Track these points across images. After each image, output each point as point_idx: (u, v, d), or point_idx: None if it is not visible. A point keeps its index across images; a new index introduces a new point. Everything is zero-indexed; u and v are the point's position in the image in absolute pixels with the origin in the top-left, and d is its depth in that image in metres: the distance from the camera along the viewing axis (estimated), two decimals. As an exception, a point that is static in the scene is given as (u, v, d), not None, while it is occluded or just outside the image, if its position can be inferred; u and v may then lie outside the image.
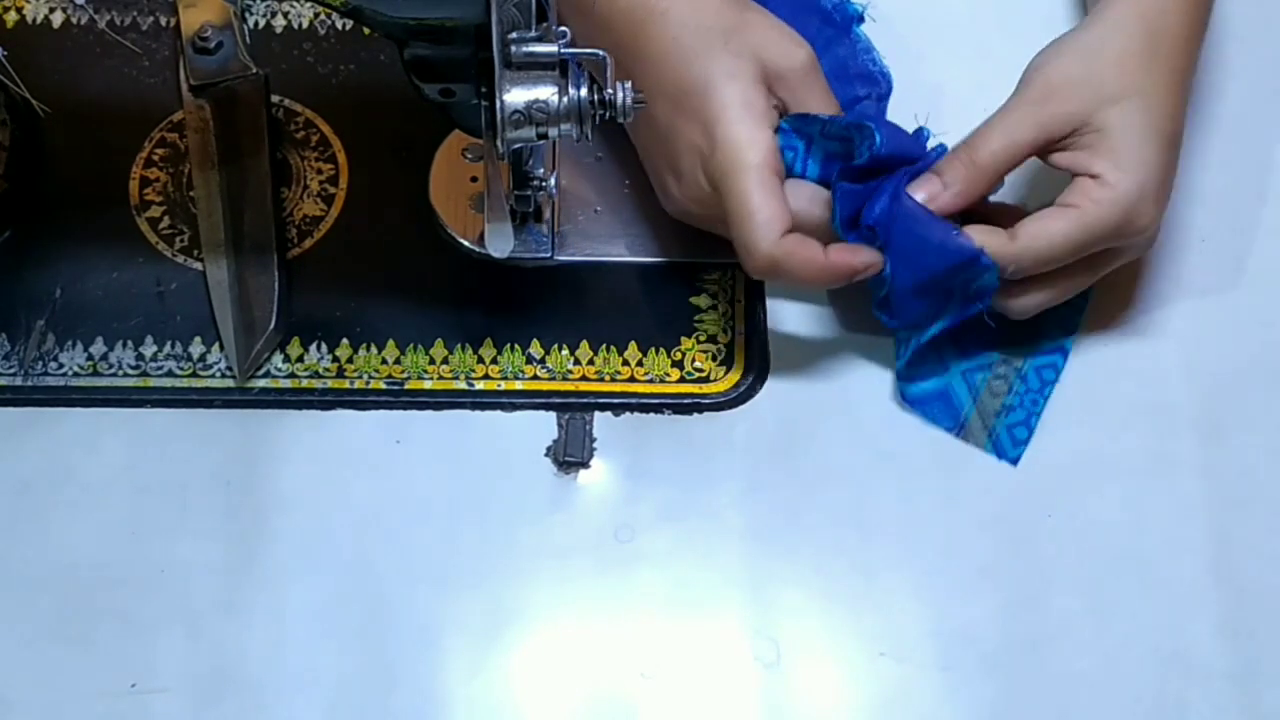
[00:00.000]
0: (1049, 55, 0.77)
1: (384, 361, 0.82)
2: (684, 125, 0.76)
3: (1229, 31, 0.89)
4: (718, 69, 0.75)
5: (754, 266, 0.74)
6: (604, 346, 0.82)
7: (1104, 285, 0.80)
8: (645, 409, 0.81)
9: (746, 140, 0.74)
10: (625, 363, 0.82)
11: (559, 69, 0.70)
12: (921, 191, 0.75)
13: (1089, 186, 0.74)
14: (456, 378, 0.81)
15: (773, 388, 0.81)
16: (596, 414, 0.81)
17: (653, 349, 0.82)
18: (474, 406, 0.81)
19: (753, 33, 0.77)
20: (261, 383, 0.81)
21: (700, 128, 0.75)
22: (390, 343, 0.82)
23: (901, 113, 0.82)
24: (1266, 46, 0.90)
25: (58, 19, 0.90)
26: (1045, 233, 0.74)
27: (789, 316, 0.83)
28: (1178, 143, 0.76)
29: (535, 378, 0.81)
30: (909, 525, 0.78)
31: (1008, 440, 0.79)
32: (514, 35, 0.69)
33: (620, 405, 0.81)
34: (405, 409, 0.81)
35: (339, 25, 0.90)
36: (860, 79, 0.85)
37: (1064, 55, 0.77)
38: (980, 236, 0.75)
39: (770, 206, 0.73)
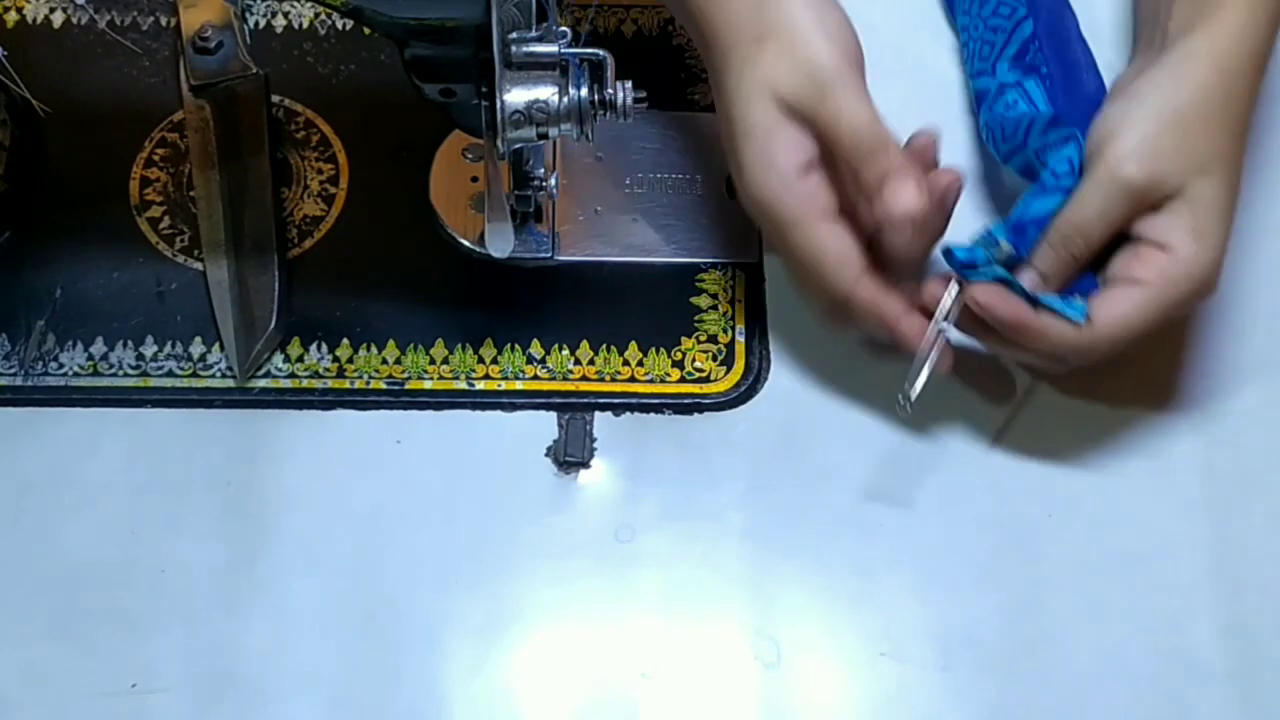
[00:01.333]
0: (1128, 117, 0.73)
1: (384, 361, 0.82)
2: (732, 166, 0.77)
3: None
4: (744, 122, 0.74)
5: (827, 309, 0.75)
6: (604, 346, 0.82)
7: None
8: (645, 409, 0.81)
9: (777, 196, 0.74)
10: (625, 363, 0.82)
11: (559, 69, 0.70)
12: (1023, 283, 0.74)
13: (1160, 260, 0.72)
14: (457, 378, 0.81)
15: (773, 388, 0.81)
16: (597, 414, 0.81)
17: (653, 349, 0.82)
18: (474, 406, 0.81)
19: (779, 42, 0.74)
20: (262, 383, 0.81)
21: (740, 179, 0.76)
22: (390, 343, 0.82)
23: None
24: None
25: (58, 19, 0.90)
26: (1122, 318, 0.72)
27: (789, 316, 0.82)
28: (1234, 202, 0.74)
29: (535, 378, 0.81)
30: (909, 525, 0.78)
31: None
32: (514, 35, 0.69)
33: (620, 405, 0.81)
34: (405, 409, 0.81)
35: (339, 25, 0.90)
36: None
37: (1148, 121, 0.73)
38: (1057, 329, 0.73)
39: (836, 248, 0.74)
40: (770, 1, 0.74)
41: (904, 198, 0.72)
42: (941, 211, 0.74)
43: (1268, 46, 0.75)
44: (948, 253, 0.75)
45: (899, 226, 0.72)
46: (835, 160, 0.74)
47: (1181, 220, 0.72)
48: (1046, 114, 0.80)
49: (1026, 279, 0.74)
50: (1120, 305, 0.72)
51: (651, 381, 0.81)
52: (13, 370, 0.81)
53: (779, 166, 0.73)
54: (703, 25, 0.77)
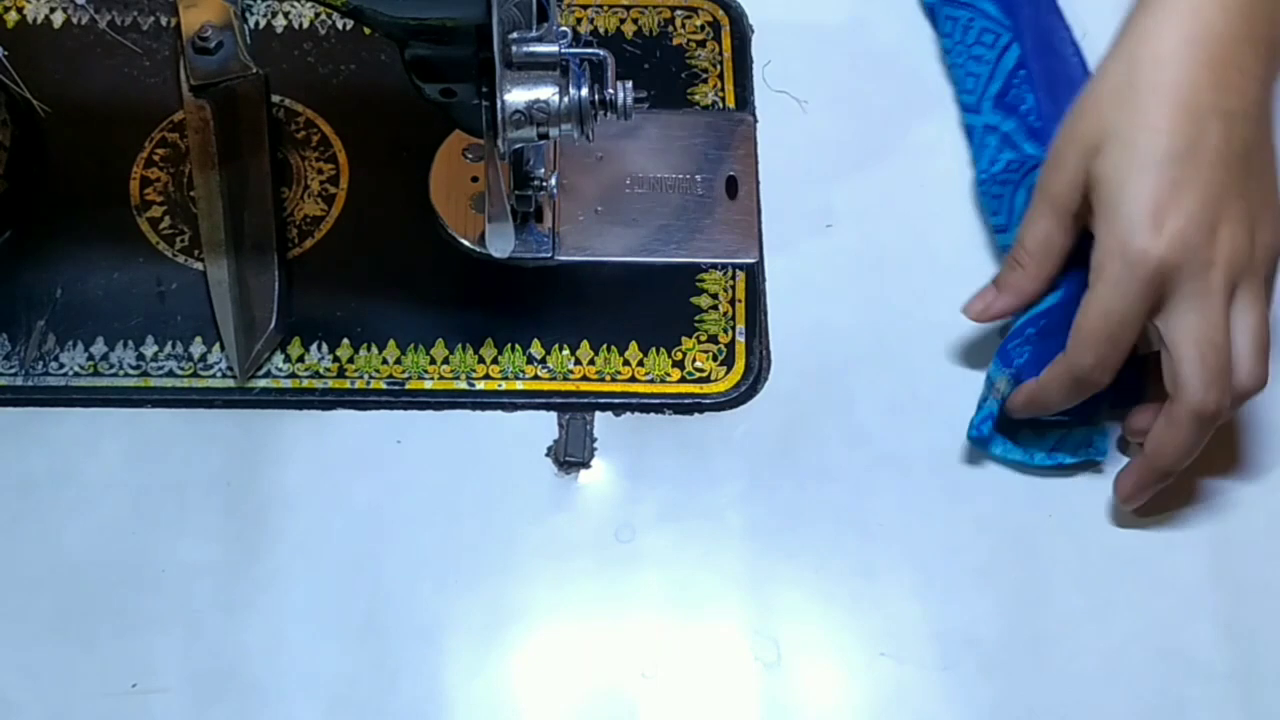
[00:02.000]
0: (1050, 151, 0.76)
1: (384, 361, 0.82)
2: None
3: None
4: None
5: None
6: (604, 346, 0.82)
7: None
8: (646, 409, 0.81)
9: None
10: (626, 363, 0.82)
11: (559, 69, 0.71)
12: (978, 303, 0.76)
13: (1096, 255, 0.72)
14: (457, 378, 0.81)
15: (773, 388, 0.81)
16: (597, 414, 0.81)
17: (653, 349, 0.82)
18: (474, 406, 0.81)
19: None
20: (262, 383, 0.81)
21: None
22: (391, 343, 0.82)
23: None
24: None
25: (58, 19, 0.90)
26: (1079, 322, 0.73)
27: (789, 316, 0.82)
28: (1193, 158, 0.71)
29: (536, 378, 0.81)
30: (909, 525, 0.78)
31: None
32: (514, 35, 0.69)
33: (621, 405, 0.81)
34: (406, 409, 0.81)
35: (339, 25, 0.90)
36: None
37: (1057, 146, 0.75)
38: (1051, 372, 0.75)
39: None
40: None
41: None
42: None
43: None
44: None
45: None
46: None
47: (1097, 208, 0.72)
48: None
49: (981, 298, 0.79)
50: (1083, 311, 0.73)
51: (652, 381, 0.81)
52: (13, 370, 0.81)
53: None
54: None
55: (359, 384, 0.81)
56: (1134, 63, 0.73)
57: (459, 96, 0.72)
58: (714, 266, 0.84)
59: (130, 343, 0.82)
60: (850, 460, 0.80)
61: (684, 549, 0.77)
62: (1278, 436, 0.80)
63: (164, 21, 0.90)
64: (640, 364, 0.82)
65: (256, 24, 0.90)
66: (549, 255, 0.84)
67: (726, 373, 0.82)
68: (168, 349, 0.82)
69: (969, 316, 0.79)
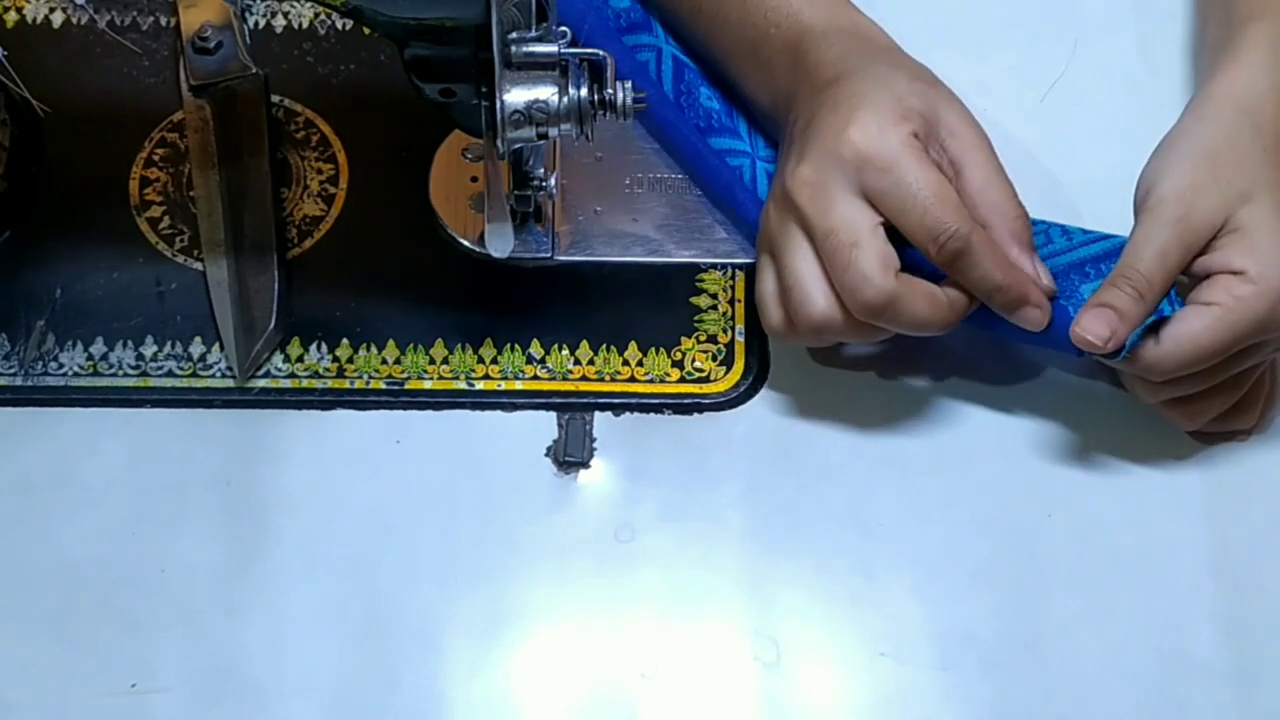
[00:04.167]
0: (1164, 165, 0.75)
1: (384, 361, 0.82)
2: (835, 120, 0.74)
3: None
4: (893, 88, 0.74)
5: (947, 247, 0.72)
6: (604, 346, 0.82)
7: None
8: (645, 409, 0.81)
9: (904, 138, 0.73)
10: (625, 363, 0.82)
11: (559, 69, 0.71)
12: (1104, 330, 0.73)
13: (1230, 283, 0.72)
14: (456, 378, 0.81)
15: (773, 388, 0.81)
16: (596, 414, 0.81)
17: (653, 349, 0.82)
18: (474, 406, 0.81)
19: (939, 91, 0.76)
20: (261, 383, 0.81)
21: (856, 121, 0.73)
22: (390, 343, 0.82)
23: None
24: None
25: (58, 19, 0.90)
26: (1189, 334, 0.73)
27: (789, 316, 0.82)
28: None
29: (535, 378, 0.81)
30: (909, 525, 0.78)
31: None
32: (514, 35, 0.69)
33: (620, 405, 0.81)
34: (405, 409, 0.81)
35: (339, 25, 0.90)
36: None
37: (1182, 162, 0.75)
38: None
39: (951, 191, 0.73)
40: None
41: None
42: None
43: None
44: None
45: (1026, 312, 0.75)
46: None
47: (1239, 246, 0.73)
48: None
49: (1103, 321, 0.74)
50: (1190, 324, 0.73)
51: (651, 381, 0.81)
52: (13, 370, 0.81)
53: (916, 124, 0.74)
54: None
55: (358, 384, 0.81)
56: (1258, 130, 0.75)
57: (458, 96, 0.72)
58: (714, 266, 0.84)
59: (130, 343, 0.82)
60: (850, 460, 0.80)
61: (683, 549, 0.77)
62: (1278, 436, 0.80)
63: (164, 21, 0.90)
64: (640, 364, 0.82)
65: (256, 24, 0.90)
66: (549, 255, 0.84)
67: (726, 373, 0.82)
68: (167, 349, 0.82)
69: (1090, 347, 0.73)
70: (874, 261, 0.72)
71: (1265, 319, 0.73)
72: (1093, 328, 0.72)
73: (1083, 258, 0.77)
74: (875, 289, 0.72)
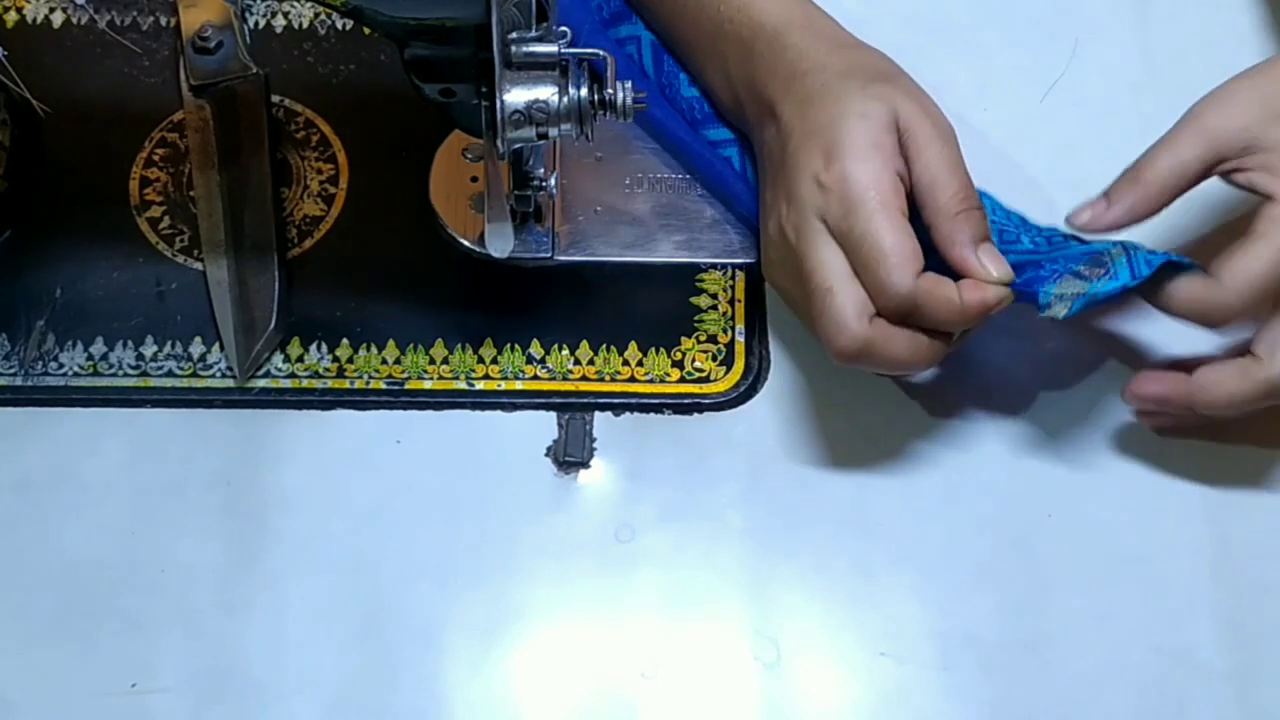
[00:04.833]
0: (1213, 92, 0.75)
1: (384, 361, 0.82)
2: (805, 159, 0.75)
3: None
4: (851, 108, 0.74)
5: (890, 306, 0.72)
6: (604, 346, 0.82)
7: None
8: (645, 409, 0.81)
9: (871, 179, 0.72)
10: (625, 363, 0.82)
11: (559, 69, 0.71)
12: (1087, 212, 0.74)
13: (1270, 209, 0.72)
14: (456, 378, 0.81)
15: (773, 388, 0.81)
16: (596, 414, 0.81)
17: (653, 349, 0.82)
18: (474, 406, 0.81)
19: (896, 86, 0.76)
20: (261, 383, 0.81)
21: (822, 161, 0.74)
22: (390, 343, 0.82)
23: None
24: None
25: (58, 19, 0.90)
26: (1244, 269, 0.72)
27: (789, 316, 0.82)
28: None
29: (535, 378, 0.81)
30: (909, 525, 0.78)
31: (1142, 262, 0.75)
32: (514, 35, 0.69)
33: (620, 405, 0.81)
34: (405, 409, 0.81)
35: (339, 25, 0.90)
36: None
37: (1228, 87, 0.75)
38: (1187, 286, 0.73)
39: (904, 244, 0.72)
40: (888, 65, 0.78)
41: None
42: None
43: None
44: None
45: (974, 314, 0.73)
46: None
47: (1278, 168, 0.72)
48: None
49: (1092, 207, 0.74)
50: (1240, 258, 0.72)
51: (651, 381, 0.81)
52: (13, 370, 0.81)
53: (885, 150, 0.73)
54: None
55: (358, 384, 0.81)
56: None
57: (458, 96, 0.72)
58: (714, 266, 0.84)
59: (130, 343, 0.82)
60: (850, 460, 0.80)
61: (683, 549, 0.77)
62: (1278, 437, 0.80)
63: (164, 21, 0.90)
64: (640, 364, 0.82)
65: (256, 24, 0.90)
66: (549, 255, 0.84)
67: (726, 373, 0.82)
68: (167, 349, 0.82)
69: (1074, 224, 0.76)
70: (847, 308, 0.72)
71: None
72: (1081, 211, 0.73)
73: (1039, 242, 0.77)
74: (849, 336, 0.72)
